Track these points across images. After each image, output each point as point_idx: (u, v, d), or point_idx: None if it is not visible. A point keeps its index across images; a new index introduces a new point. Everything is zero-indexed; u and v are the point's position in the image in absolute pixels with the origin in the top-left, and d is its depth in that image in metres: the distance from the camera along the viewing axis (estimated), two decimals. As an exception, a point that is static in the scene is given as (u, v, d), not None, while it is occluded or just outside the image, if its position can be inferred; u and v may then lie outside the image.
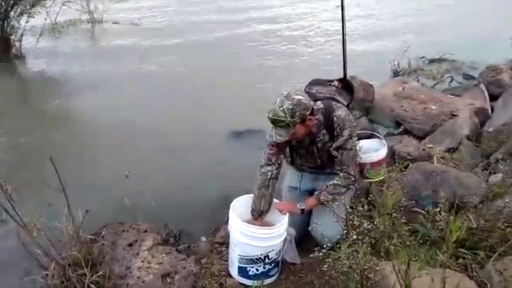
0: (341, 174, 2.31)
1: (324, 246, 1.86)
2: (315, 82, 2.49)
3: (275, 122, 2.13)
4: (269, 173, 2.35)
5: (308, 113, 2.15)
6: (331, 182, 2.32)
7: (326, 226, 2.22)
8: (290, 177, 2.66)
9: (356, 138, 2.36)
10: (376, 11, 10.28)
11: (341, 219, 2.18)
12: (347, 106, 2.42)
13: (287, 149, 2.48)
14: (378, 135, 2.80)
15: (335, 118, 2.25)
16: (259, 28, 8.93)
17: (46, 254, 2.12)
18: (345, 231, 1.91)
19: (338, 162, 2.32)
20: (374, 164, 2.58)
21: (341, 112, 2.26)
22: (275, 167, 2.36)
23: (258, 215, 2.34)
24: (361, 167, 2.56)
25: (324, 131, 2.29)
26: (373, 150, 2.65)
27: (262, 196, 2.34)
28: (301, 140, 2.32)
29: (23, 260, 2.31)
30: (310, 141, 2.34)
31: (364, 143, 2.64)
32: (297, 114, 2.10)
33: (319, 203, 2.31)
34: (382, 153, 2.61)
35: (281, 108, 2.10)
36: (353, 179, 2.33)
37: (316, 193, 2.35)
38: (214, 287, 2.24)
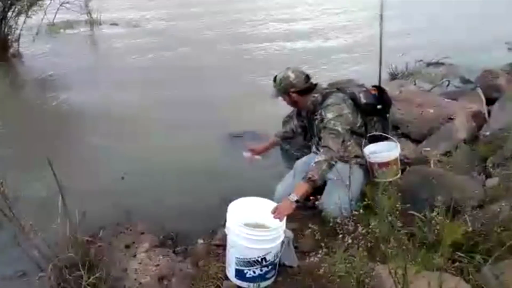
0: (322, 150, 2.55)
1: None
2: (354, 84, 2.88)
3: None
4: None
5: (292, 89, 2.71)
6: (313, 162, 2.51)
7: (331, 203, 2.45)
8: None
9: (340, 124, 2.59)
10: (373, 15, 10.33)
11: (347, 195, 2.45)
12: (377, 107, 2.80)
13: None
14: (392, 138, 2.87)
15: (324, 102, 2.69)
16: (259, 28, 8.96)
17: (43, 255, 2.12)
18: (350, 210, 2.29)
19: (321, 141, 2.61)
20: (381, 165, 2.67)
21: (331, 100, 2.68)
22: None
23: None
24: (371, 166, 2.72)
25: (319, 110, 2.70)
26: (384, 151, 2.74)
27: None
28: (302, 109, 2.88)
29: (19, 261, 2.31)
30: (310, 117, 2.80)
31: (379, 146, 2.79)
32: (281, 85, 2.73)
33: (309, 184, 2.44)
34: (390, 154, 2.70)
35: (277, 75, 2.76)
36: (334, 153, 2.51)
37: (303, 177, 2.49)
38: (211, 289, 2.24)
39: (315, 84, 2.77)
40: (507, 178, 2.64)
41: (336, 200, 2.47)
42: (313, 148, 2.88)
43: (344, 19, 9.18)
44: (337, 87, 2.78)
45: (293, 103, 2.81)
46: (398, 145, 2.78)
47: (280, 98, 2.81)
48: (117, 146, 3.95)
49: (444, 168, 3.05)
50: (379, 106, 2.80)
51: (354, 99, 2.74)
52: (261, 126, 4.15)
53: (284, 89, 2.72)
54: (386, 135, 2.84)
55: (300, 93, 2.72)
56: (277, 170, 3.42)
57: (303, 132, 3.03)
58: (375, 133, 2.83)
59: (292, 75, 2.70)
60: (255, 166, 3.41)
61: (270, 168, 3.45)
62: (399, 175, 2.74)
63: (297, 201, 2.37)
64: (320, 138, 2.69)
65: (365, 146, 2.75)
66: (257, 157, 3.03)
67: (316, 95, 2.73)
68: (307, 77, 2.75)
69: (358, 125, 2.77)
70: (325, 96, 2.71)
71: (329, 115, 2.61)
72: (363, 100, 2.76)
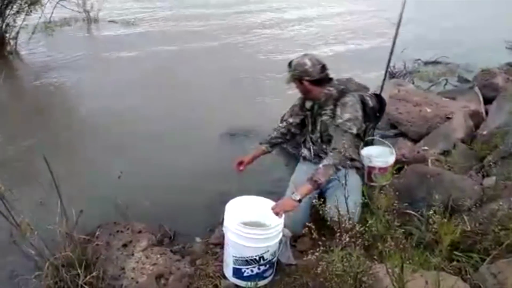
0: (332, 153, 2.43)
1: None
2: (354, 83, 2.86)
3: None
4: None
5: (307, 78, 2.55)
6: (321, 164, 2.40)
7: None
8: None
9: (355, 126, 2.51)
10: (371, 13, 10.33)
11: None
12: (377, 114, 2.78)
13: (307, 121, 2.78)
14: (388, 143, 2.93)
15: (342, 99, 2.55)
16: (257, 23, 8.94)
17: (39, 254, 2.10)
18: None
19: (332, 142, 2.51)
20: (381, 170, 2.73)
21: (350, 98, 2.56)
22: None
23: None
24: (370, 170, 2.73)
25: (332, 106, 2.58)
26: (383, 156, 2.79)
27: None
28: (313, 100, 2.68)
29: (16, 260, 2.30)
30: (317, 110, 2.67)
31: (374, 150, 2.83)
32: (296, 71, 2.57)
33: (313, 187, 2.34)
34: (391, 160, 2.79)
35: (293, 61, 2.60)
36: (344, 157, 2.36)
37: (308, 178, 2.38)
38: (208, 288, 2.23)
39: (331, 78, 2.63)
40: (504, 177, 2.65)
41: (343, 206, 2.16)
42: (308, 144, 2.79)
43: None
44: (342, 88, 2.65)
45: (305, 91, 2.65)
46: (394, 150, 2.88)
47: (293, 85, 2.65)
48: (114, 144, 3.93)
49: (442, 167, 3.05)
50: (377, 114, 2.80)
51: (363, 102, 2.69)
52: (258, 125, 4.14)
53: (298, 76, 2.57)
54: (383, 140, 2.91)
55: (314, 82, 2.57)
56: (274, 169, 3.42)
57: (299, 128, 2.87)
58: (374, 137, 2.88)
59: (308, 63, 2.54)
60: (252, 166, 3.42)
61: (268, 166, 3.45)
62: (391, 179, 2.82)
63: (299, 201, 2.32)
64: (322, 134, 2.65)
65: (361, 149, 2.76)
66: (242, 168, 2.80)
67: (331, 88, 2.60)
68: (323, 67, 2.59)
69: (362, 129, 2.71)
70: (341, 93, 2.58)
71: (346, 116, 2.50)
72: (370, 104, 2.72)
